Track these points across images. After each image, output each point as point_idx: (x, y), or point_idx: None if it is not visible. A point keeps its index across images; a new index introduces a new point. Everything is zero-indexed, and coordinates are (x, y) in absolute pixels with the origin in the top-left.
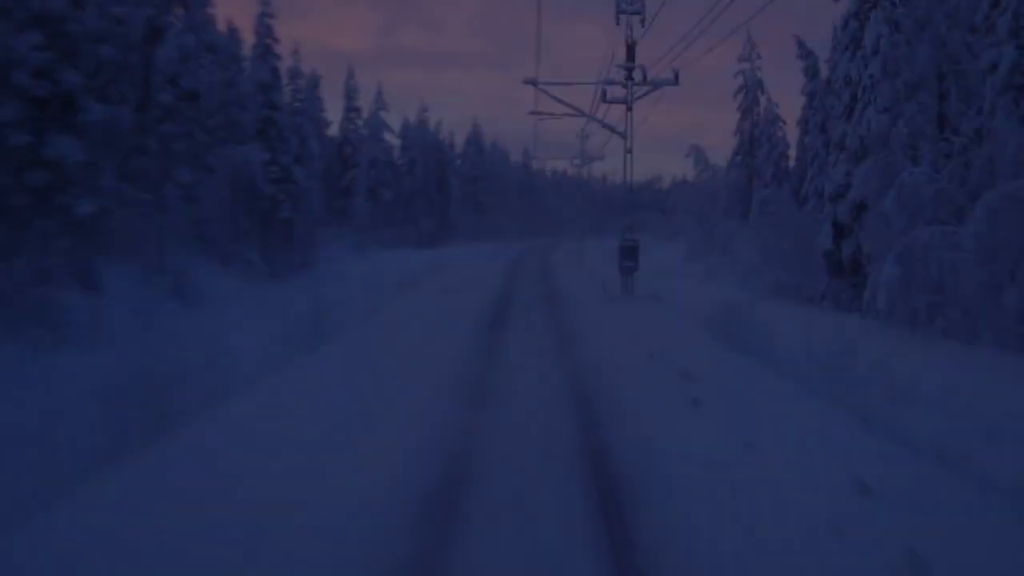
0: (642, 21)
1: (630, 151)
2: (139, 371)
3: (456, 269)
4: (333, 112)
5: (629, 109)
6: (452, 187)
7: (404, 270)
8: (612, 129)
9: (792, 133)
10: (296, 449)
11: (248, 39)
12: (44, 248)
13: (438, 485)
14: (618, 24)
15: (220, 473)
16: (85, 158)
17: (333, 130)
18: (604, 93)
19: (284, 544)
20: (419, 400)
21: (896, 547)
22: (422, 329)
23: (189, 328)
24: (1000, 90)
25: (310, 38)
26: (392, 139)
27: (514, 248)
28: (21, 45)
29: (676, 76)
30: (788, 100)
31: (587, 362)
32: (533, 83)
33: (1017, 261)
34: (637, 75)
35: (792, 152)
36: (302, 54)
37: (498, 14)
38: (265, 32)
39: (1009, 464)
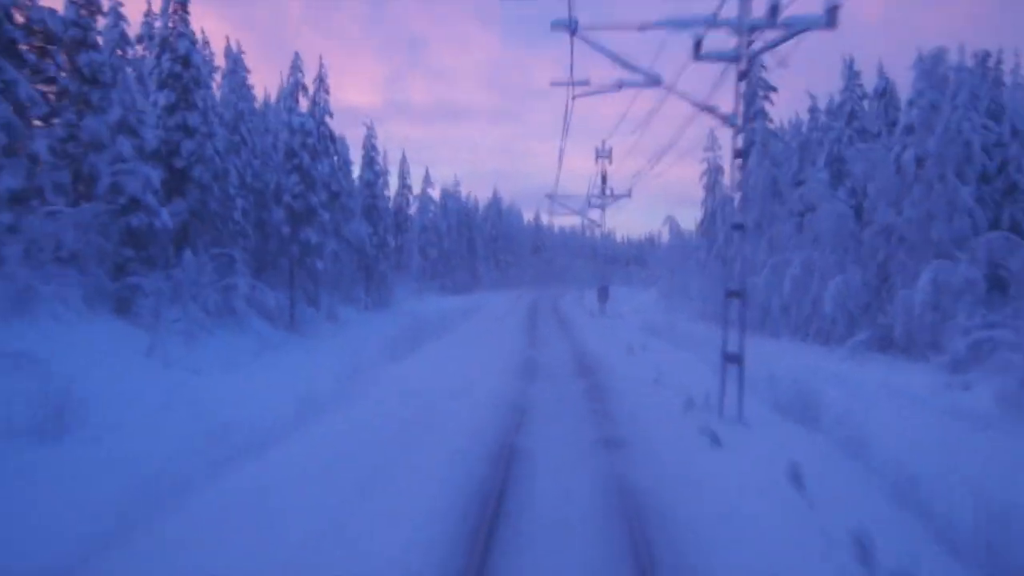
0: (610, 160)
1: (604, 233)
2: (386, 338)
3: (493, 307)
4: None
5: (602, 211)
6: (478, 246)
7: (457, 308)
8: (594, 222)
9: None
10: (458, 357)
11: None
12: (295, 286)
13: (518, 361)
14: (596, 163)
15: (447, 356)
16: (319, 240)
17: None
18: (589, 201)
19: (480, 365)
20: (495, 358)
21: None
22: (491, 329)
23: (355, 334)
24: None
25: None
26: (436, 209)
27: (530, 295)
28: (287, 182)
29: (630, 192)
30: None
31: (576, 335)
32: (551, 197)
33: (784, 292)
34: (608, 191)
35: None
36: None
37: (503, 68)
38: (371, 147)
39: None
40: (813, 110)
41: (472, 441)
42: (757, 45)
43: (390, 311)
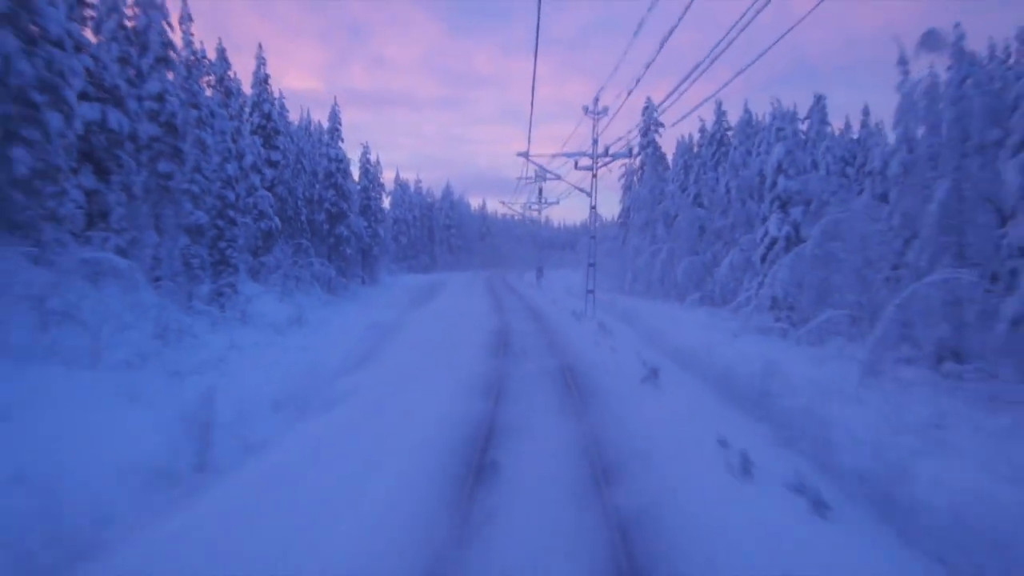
0: (545, 179)
1: (541, 226)
2: (398, 298)
3: (457, 282)
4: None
5: (539, 212)
6: (436, 233)
7: (429, 283)
8: (533, 220)
9: None
10: (456, 303)
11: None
12: (332, 263)
13: (491, 304)
14: (536, 186)
15: (446, 306)
16: (349, 234)
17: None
18: (529, 206)
19: (468, 312)
20: (476, 303)
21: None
22: (463, 294)
23: (371, 298)
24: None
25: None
26: (406, 204)
27: (482, 274)
28: (325, 193)
29: (559, 200)
30: None
31: (521, 295)
32: (503, 202)
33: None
34: (543, 200)
35: None
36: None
37: (445, 55)
38: (366, 161)
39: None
40: (702, 130)
41: (485, 327)
42: (600, 164)
43: (381, 285)
